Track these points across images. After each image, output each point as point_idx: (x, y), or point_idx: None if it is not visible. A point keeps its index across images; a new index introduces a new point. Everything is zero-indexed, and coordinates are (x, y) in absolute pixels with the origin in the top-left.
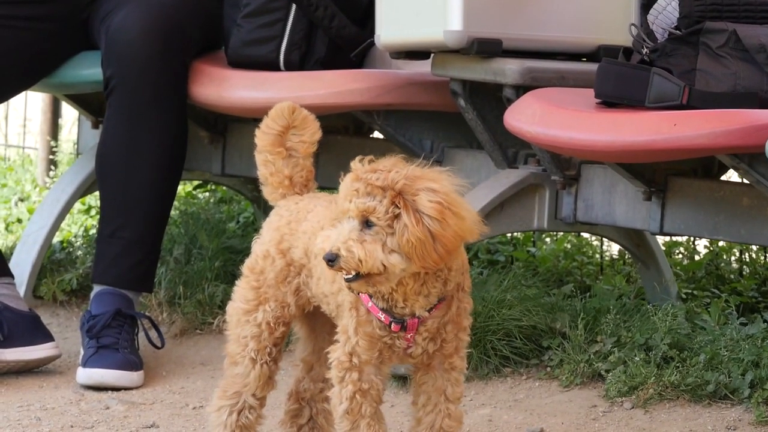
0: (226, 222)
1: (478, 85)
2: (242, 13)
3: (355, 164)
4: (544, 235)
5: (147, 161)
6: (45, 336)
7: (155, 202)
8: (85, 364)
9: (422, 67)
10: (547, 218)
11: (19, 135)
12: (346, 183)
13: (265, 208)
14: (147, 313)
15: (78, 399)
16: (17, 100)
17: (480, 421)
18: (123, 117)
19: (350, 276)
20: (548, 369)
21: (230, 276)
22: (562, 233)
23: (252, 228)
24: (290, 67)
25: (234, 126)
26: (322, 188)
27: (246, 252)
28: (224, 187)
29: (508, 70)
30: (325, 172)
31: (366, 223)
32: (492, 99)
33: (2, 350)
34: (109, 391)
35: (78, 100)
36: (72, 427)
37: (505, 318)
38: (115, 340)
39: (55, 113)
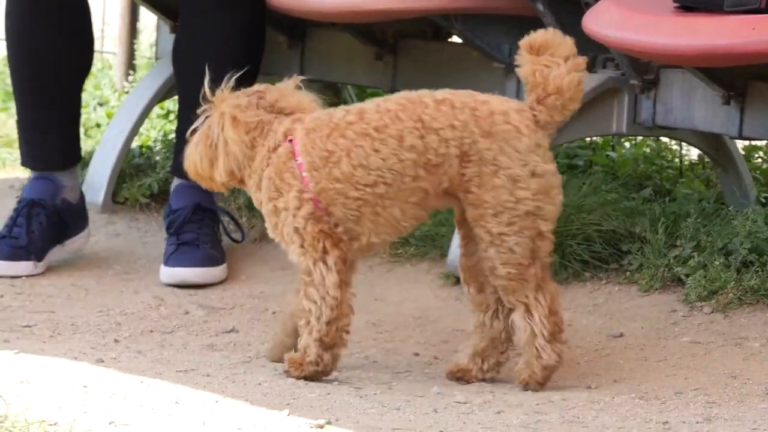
0: None
1: None
2: None
3: None
4: (623, 140)
5: (223, 62)
6: (83, 224)
7: None
8: (166, 263)
9: None
10: (626, 122)
11: (98, 40)
12: None
13: None
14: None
15: (158, 304)
16: (96, 4)
17: None
18: (198, 19)
19: None
20: (628, 273)
21: None
22: (641, 137)
23: None
24: None
25: (313, 31)
26: None
27: None
28: None
29: None
30: (403, 77)
31: None
32: (570, 3)
33: (60, 247)
34: (189, 296)
35: (156, 4)
36: (152, 332)
37: (585, 222)
38: (195, 235)
39: (134, 17)
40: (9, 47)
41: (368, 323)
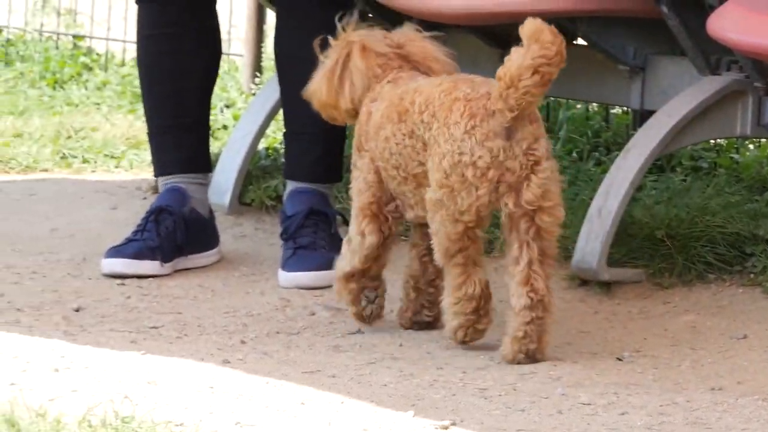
0: None
1: None
2: None
3: None
4: (747, 142)
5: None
6: (212, 243)
7: None
8: (284, 267)
9: None
10: (750, 125)
11: (224, 42)
12: None
13: None
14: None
15: (284, 305)
16: (222, 7)
17: (683, 327)
18: (292, 19)
19: None
20: (752, 275)
21: None
22: (765, 140)
23: None
24: None
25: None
26: None
27: None
28: None
29: None
30: None
31: None
32: (695, 5)
33: (184, 259)
34: (315, 297)
35: None
36: (278, 333)
37: (709, 225)
38: (311, 240)
39: (261, 19)
40: (144, 56)
41: (493, 325)
